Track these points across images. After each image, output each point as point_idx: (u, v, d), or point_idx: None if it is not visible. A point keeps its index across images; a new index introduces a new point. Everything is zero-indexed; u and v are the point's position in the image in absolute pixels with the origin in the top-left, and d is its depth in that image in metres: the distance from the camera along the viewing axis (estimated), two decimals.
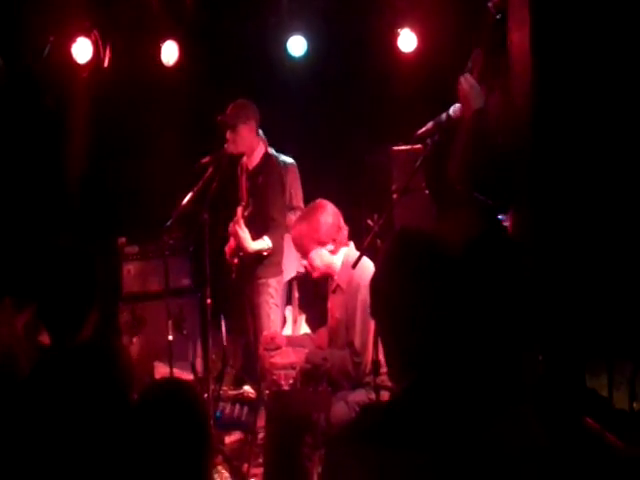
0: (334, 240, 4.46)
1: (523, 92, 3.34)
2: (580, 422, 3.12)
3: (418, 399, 1.78)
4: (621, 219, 3.56)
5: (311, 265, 4.50)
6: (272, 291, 5.76)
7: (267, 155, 5.90)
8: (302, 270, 5.65)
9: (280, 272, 5.84)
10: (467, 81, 3.63)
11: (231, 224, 5.67)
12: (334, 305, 4.56)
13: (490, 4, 3.63)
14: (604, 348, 4.05)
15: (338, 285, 4.50)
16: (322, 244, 4.44)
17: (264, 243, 5.61)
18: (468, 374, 1.81)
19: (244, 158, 5.88)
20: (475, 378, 1.82)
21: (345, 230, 4.55)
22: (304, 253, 4.50)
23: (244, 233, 5.55)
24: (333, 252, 4.47)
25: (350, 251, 4.50)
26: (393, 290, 1.85)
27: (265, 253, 5.65)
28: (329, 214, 4.48)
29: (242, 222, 5.55)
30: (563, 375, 3.16)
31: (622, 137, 3.52)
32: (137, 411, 2.34)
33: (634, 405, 4.06)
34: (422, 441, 1.72)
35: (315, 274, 4.53)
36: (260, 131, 6.06)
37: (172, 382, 2.75)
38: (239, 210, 5.60)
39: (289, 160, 6.39)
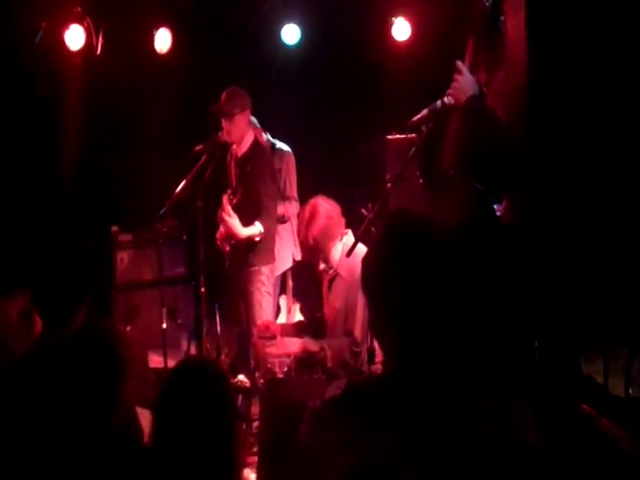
0: (341, 228, 4.52)
1: (518, 78, 3.33)
2: (576, 408, 3.12)
3: (402, 379, 1.80)
4: (616, 205, 3.55)
5: (330, 264, 4.51)
6: (264, 279, 5.72)
7: (256, 142, 5.87)
8: (299, 258, 5.65)
9: (272, 260, 5.82)
10: (459, 70, 3.62)
11: (219, 212, 5.65)
12: (333, 294, 4.54)
13: None
14: (600, 334, 4.05)
15: (337, 273, 4.49)
16: (334, 238, 4.47)
17: (255, 229, 5.57)
18: (453, 358, 1.82)
19: (233, 146, 5.87)
20: (460, 363, 1.83)
21: (343, 217, 4.57)
22: (326, 256, 4.51)
23: (233, 220, 5.52)
24: (340, 240, 4.50)
25: (348, 239, 4.50)
26: (382, 270, 1.87)
27: (257, 239, 5.62)
28: (329, 206, 4.50)
29: (229, 209, 5.52)
30: (559, 361, 3.16)
31: (617, 124, 3.52)
32: (169, 387, 2.39)
33: (630, 391, 4.06)
34: (401, 420, 1.75)
35: (333, 270, 4.55)
36: (254, 119, 6.04)
37: (202, 360, 2.80)
38: (225, 198, 5.59)
39: (285, 148, 6.37)
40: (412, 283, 1.81)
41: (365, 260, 1.94)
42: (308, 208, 4.56)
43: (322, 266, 4.57)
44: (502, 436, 1.75)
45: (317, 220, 4.46)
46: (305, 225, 4.56)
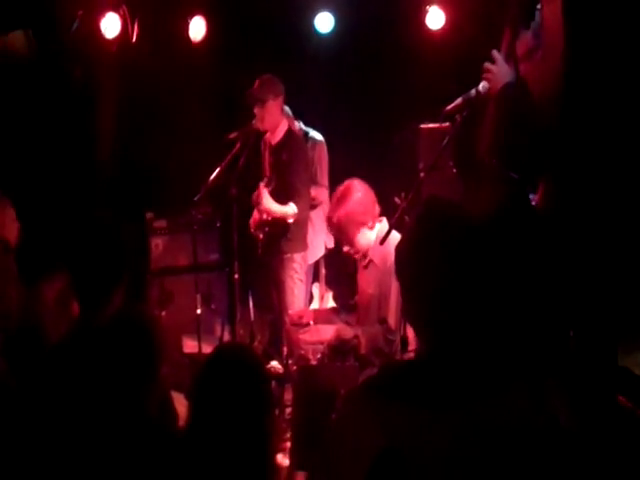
0: (372, 216, 4.47)
1: (555, 66, 3.30)
2: (612, 400, 3.11)
3: (435, 363, 1.82)
4: None
5: (356, 249, 4.49)
6: (296, 266, 5.76)
7: (290, 131, 5.90)
8: (331, 246, 5.63)
9: (305, 247, 5.84)
10: (494, 59, 3.60)
11: (254, 195, 5.69)
12: (366, 281, 4.54)
13: None
14: (637, 325, 4.02)
15: (371, 260, 4.48)
16: (363, 224, 4.44)
17: (289, 208, 5.61)
18: (486, 344, 1.83)
19: (267, 134, 5.89)
20: (493, 349, 1.84)
21: (377, 204, 4.55)
22: (350, 240, 4.48)
23: (267, 199, 5.56)
24: (371, 228, 4.48)
25: (383, 227, 4.48)
26: (416, 257, 1.88)
27: (290, 220, 5.64)
28: (362, 192, 4.48)
29: (264, 191, 5.56)
30: (595, 352, 3.14)
31: None
32: (206, 372, 2.42)
33: None
34: (432, 403, 1.77)
35: (358, 255, 4.53)
36: (287, 107, 6.05)
37: (238, 346, 2.84)
38: (261, 184, 5.63)
39: (318, 137, 6.38)
40: (445, 270, 1.83)
41: (398, 247, 1.96)
42: (342, 188, 4.55)
43: (346, 248, 4.56)
44: (534, 419, 1.77)
45: (346, 203, 4.45)
46: (334, 203, 4.58)
